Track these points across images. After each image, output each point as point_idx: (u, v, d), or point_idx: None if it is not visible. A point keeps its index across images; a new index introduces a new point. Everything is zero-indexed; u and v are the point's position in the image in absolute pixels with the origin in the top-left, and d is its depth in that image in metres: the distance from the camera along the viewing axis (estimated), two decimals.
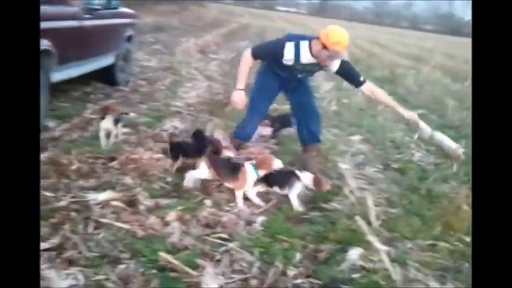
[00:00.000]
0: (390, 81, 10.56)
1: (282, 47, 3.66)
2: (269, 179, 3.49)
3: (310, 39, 3.67)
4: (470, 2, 2.05)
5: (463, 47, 32.23)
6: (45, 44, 4.23)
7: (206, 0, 36.98)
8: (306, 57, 3.66)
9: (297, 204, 3.42)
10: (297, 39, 3.69)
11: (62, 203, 3.00)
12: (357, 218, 3.04)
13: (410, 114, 3.80)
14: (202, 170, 3.42)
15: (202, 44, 12.60)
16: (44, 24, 4.25)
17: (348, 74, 3.82)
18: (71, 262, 2.44)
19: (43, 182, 3.23)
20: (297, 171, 3.50)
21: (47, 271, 2.30)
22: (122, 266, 2.47)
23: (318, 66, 3.75)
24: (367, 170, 4.39)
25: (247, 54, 3.76)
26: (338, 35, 3.49)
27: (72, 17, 5.02)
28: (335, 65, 3.71)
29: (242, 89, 3.80)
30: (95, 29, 5.53)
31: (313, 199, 3.58)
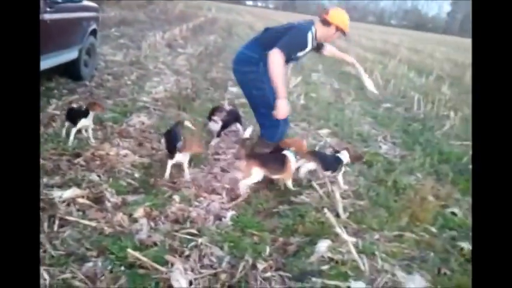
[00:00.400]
0: (357, 75, 10.69)
1: (306, 39, 3.61)
2: (322, 165, 3.70)
3: (313, 24, 3.72)
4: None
5: (427, 42, 33.04)
6: None
7: None
8: (314, 44, 3.77)
9: (343, 183, 3.80)
10: (309, 26, 3.67)
11: None
12: (325, 210, 3.08)
13: (350, 59, 4.36)
14: (255, 175, 3.45)
15: (170, 38, 12.43)
16: None
17: (317, 44, 3.96)
18: None
19: None
20: (339, 154, 3.79)
21: None
22: (89, 264, 2.42)
23: None
24: None
25: (279, 57, 3.45)
26: (347, 17, 3.77)
27: None
28: None
29: (286, 97, 3.60)
30: (57, 23, 5.36)
31: (282, 193, 3.60)
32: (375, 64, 12.47)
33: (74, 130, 3.97)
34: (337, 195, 3.33)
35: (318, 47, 4.08)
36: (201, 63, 9.58)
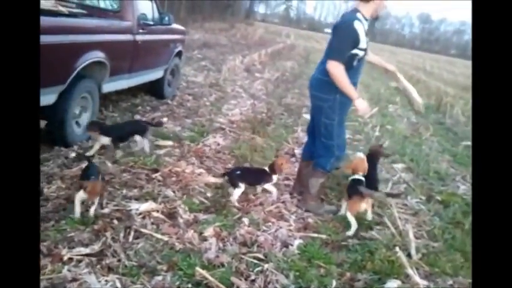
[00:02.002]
0: (436, 109, 10.33)
1: (354, 31, 3.31)
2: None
3: (356, 11, 3.46)
4: None
5: None
6: (98, 55, 4.42)
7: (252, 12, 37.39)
8: (366, 26, 3.46)
9: None
10: (352, 16, 3.41)
11: (106, 210, 3.09)
12: (397, 249, 2.97)
13: (392, 67, 3.93)
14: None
15: (248, 62, 12.76)
16: (98, 37, 4.48)
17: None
18: (110, 269, 2.50)
19: None
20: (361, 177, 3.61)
21: (87, 276, 2.38)
22: (159, 278, 2.50)
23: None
24: (409, 200, 4.28)
25: (337, 65, 3.31)
26: None
27: (126, 31, 5.22)
28: None
29: (360, 96, 3.47)
30: (147, 44, 5.73)
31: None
32: (456, 99, 11.96)
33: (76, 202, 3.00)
34: (411, 235, 3.20)
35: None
36: (277, 89, 9.72)
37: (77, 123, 4.42)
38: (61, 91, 3.96)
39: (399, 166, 5.30)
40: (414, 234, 3.34)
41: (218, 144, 5.01)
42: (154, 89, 6.77)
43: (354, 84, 3.52)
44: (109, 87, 4.99)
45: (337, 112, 3.55)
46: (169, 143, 4.74)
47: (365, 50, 3.46)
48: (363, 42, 3.38)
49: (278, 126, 6.41)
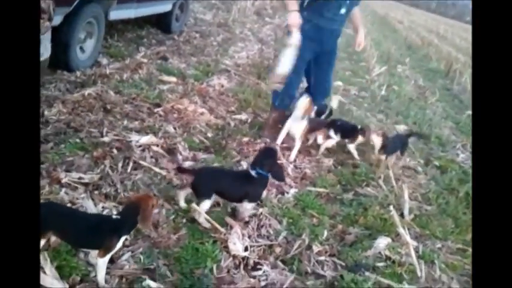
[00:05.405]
0: (445, 75, 10.17)
1: None
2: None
3: None
4: None
5: None
6: None
7: None
8: None
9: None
10: None
11: (106, 139, 3.07)
12: (391, 208, 2.99)
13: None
14: None
15: (259, 6, 12.38)
16: None
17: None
18: (107, 197, 2.51)
19: (89, 117, 3.30)
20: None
21: (84, 201, 2.39)
22: (155, 210, 2.51)
23: None
24: (407, 162, 4.28)
25: None
26: None
27: None
28: None
29: (296, 10, 3.49)
30: None
31: (349, 181, 3.55)
32: (466, 67, 11.75)
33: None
34: (406, 195, 3.22)
35: None
36: (286, 36, 9.46)
37: (81, 48, 4.31)
38: (67, 13, 3.83)
39: (401, 127, 5.27)
40: (409, 195, 3.36)
41: (222, 86, 4.94)
42: (162, 23, 6.57)
43: (336, 31, 3.78)
44: (116, 14, 4.83)
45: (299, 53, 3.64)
46: (173, 79, 4.66)
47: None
48: None
49: None
